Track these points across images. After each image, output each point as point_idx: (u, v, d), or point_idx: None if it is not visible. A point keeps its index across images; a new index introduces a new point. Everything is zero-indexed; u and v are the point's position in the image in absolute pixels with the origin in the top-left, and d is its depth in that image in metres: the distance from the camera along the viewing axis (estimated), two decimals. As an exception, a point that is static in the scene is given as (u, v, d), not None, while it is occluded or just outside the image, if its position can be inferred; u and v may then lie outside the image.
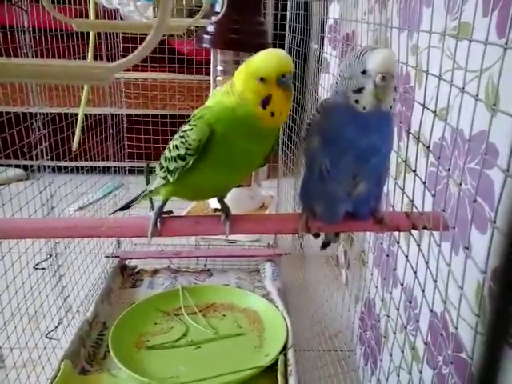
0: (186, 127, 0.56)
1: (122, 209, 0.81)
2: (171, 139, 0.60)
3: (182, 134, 0.56)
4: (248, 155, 0.57)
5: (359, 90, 0.51)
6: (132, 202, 0.76)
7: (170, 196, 0.63)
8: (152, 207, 1.42)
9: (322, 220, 0.60)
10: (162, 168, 0.61)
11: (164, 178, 0.61)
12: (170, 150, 0.59)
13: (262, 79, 0.51)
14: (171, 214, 0.63)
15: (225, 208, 0.63)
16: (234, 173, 0.60)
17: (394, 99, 0.53)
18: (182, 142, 0.56)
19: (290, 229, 0.62)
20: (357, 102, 0.52)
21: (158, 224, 0.60)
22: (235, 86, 0.53)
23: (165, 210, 0.63)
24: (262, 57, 0.52)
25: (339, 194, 0.56)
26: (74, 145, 1.03)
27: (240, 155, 0.56)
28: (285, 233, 0.64)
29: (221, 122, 0.54)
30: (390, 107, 0.53)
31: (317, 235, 0.74)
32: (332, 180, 0.55)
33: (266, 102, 0.52)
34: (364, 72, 0.50)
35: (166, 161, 0.59)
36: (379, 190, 0.60)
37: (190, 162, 0.56)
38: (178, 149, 0.56)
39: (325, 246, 0.74)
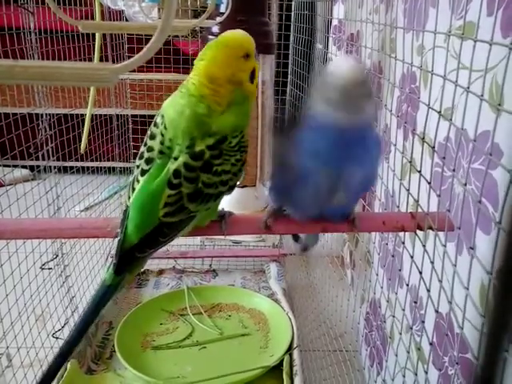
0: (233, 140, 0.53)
1: None
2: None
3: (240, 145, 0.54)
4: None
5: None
6: None
7: None
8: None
9: (293, 218, 0.59)
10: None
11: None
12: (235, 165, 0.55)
13: (247, 56, 0.53)
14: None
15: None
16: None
17: (371, 109, 0.50)
18: (242, 152, 0.55)
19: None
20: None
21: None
22: (214, 75, 0.52)
23: None
24: (234, 36, 0.53)
25: (311, 203, 0.55)
26: (82, 147, 1.04)
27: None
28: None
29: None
30: (371, 126, 0.52)
31: (296, 239, 0.73)
32: (305, 189, 0.53)
33: (252, 75, 0.54)
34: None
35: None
36: (357, 200, 0.60)
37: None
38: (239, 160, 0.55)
39: (304, 249, 0.73)
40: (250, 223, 0.62)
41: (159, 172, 0.52)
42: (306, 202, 0.56)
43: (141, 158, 0.54)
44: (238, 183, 0.57)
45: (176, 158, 0.51)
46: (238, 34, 0.54)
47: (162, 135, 0.52)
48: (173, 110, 0.52)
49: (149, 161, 0.53)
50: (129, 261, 0.53)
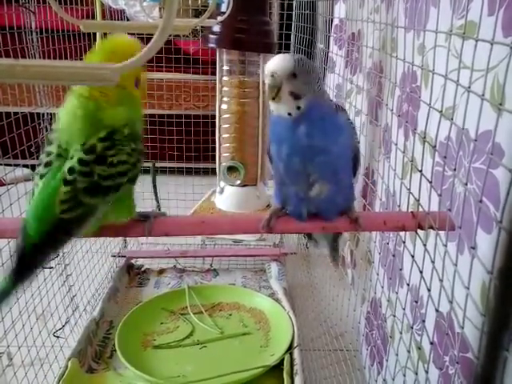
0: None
1: None
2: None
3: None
4: None
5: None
6: None
7: None
8: (158, 206, 1.43)
9: (292, 218, 0.61)
10: None
11: None
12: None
13: None
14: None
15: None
16: None
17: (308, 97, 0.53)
18: (137, 141, 0.56)
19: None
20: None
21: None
22: None
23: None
24: (118, 43, 0.55)
25: (297, 194, 0.58)
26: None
27: None
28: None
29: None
30: (338, 108, 0.56)
31: (310, 237, 0.74)
32: (288, 181, 0.58)
33: (137, 82, 0.56)
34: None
35: None
36: (345, 191, 0.61)
37: None
38: None
39: (333, 259, 0.75)
40: (249, 222, 0.62)
41: (56, 173, 0.52)
42: (292, 196, 0.59)
43: (39, 164, 0.54)
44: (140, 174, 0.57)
45: (72, 158, 0.52)
46: (122, 40, 0.55)
47: (59, 139, 0.53)
48: (66, 114, 0.54)
49: (47, 164, 0.53)
50: (30, 263, 0.52)
